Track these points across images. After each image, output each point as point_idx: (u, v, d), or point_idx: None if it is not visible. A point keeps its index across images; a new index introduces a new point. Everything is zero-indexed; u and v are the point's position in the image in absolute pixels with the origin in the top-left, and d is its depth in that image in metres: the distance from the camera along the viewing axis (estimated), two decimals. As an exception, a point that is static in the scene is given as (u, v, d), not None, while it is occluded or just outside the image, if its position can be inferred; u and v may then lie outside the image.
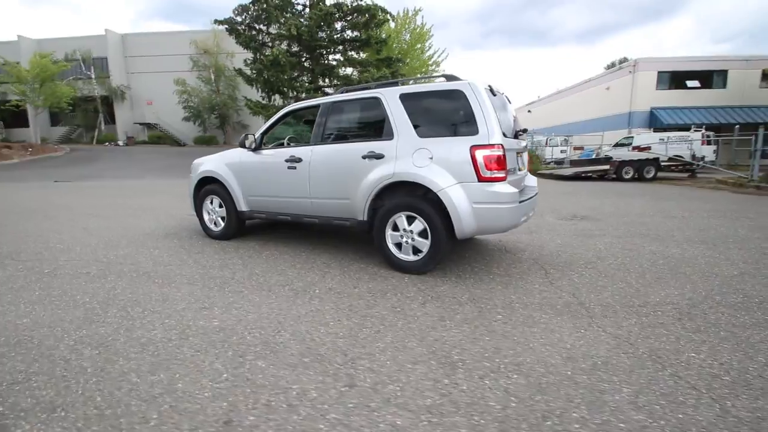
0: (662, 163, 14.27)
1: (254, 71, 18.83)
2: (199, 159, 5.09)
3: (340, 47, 19.19)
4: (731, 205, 8.13)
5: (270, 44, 19.45)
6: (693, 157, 15.52)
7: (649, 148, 15.81)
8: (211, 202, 4.82)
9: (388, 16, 19.67)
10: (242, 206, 4.53)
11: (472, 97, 3.23)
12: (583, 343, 2.33)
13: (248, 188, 4.44)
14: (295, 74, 19.16)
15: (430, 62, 25.31)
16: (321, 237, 4.98)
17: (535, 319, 2.64)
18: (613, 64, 53.13)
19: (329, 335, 2.42)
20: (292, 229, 5.46)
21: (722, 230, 5.43)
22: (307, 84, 18.42)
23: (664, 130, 21.75)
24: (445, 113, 3.38)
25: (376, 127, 3.69)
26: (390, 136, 3.53)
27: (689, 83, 24.31)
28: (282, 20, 17.95)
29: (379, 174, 3.50)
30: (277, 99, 19.80)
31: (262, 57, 18.40)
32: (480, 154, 3.12)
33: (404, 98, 3.53)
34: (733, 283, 3.32)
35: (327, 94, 18.84)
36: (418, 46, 25.19)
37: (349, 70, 20.44)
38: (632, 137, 19.11)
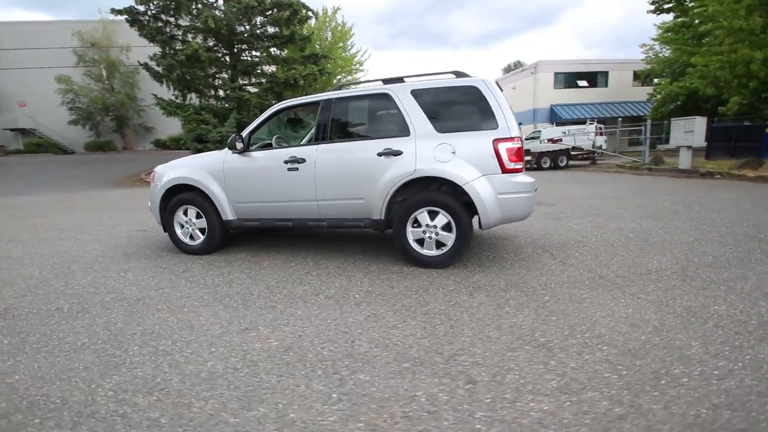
0: (571, 153, 16.27)
1: (164, 67, 17.00)
2: (163, 166, 4.46)
3: (263, 43, 18.24)
4: (640, 184, 9.61)
5: (180, 37, 17.71)
6: (593, 146, 17.95)
7: (560, 140, 17.88)
8: (186, 213, 4.26)
9: (311, 13, 19.23)
10: (229, 215, 4.08)
11: (488, 93, 3.35)
12: (632, 311, 2.59)
13: (236, 194, 4.02)
14: (213, 71, 17.75)
15: (354, 61, 25.38)
16: (314, 241, 4.72)
17: (578, 296, 2.85)
18: (509, 67, 58.85)
19: (408, 337, 2.33)
20: (276, 235, 5.09)
21: (654, 206, 6.40)
22: (229, 82, 17.18)
23: (563, 124, 24.74)
24: (462, 109, 3.45)
25: (388, 124, 3.62)
26: (406, 132, 3.49)
27: (579, 83, 28.02)
28: (194, 11, 16.46)
29: (398, 171, 3.44)
30: (194, 98, 18.14)
31: (174, 51, 16.67)
32: (503, 147, 3.25)
33: (416, 94, 3.51)
34: (697, 247, 3.96)
35: (248, 92, 17.80)
36: (340, 44, 25.08)
37: (273, 68, 19.55)
38: (539, 131, 21.39)
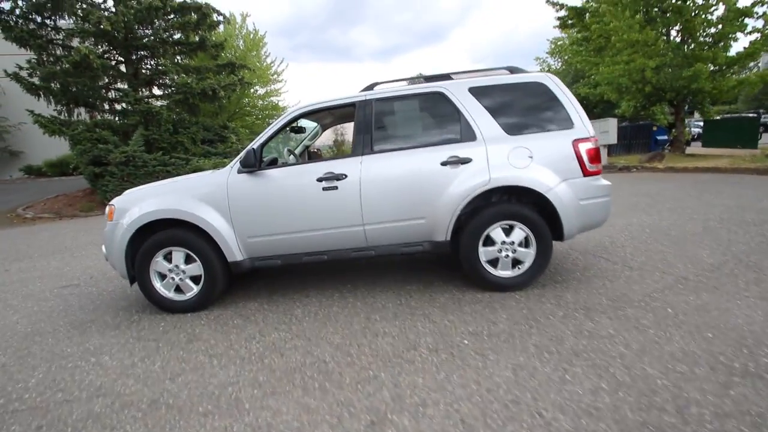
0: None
1: (42, 77, 13.97)
2: (126, 197, 3.26)
3: (169, 49, 16.10)
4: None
5: (61, 42, 14.75)
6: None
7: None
8: (169, 258, 3.15)
9: (221, 18, 17.58)
10: (237, 255, 3.10)
11: (557, 89, 3.02)
12: (758, 312, 2.42)
13: (248, 227, 3.06)
14: (107, 81, 15.11)
15: (270, 71, 24.00)
16: (330, 270, 3.89)
17: (695, 304, 2.62)
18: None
19: (592, 393, 1.80)
20: (272, 272, 4.12)
21: (647, 201, 6.65)
22: (131, 93, 14.74)
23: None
24: (529, 107, 3.06)
25: (446, 127, 3.07)
26: (470, 136, 2.98)
27: (486, 92, 30.33)
28: (79, 12, 13.80)
29: (468, 182, 2.91)
30: (83, 113, 15.20)
31: (54, 58, 13.79)
32: (583, 148, 2.94)
33: (476, 93, 3.04)
34: (720, 236, 4.12)
35: (155, 105, 15.54)
36: (254, 53, 23.56)
37: (184, 77, 17.38)
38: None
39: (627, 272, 3.31)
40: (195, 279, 3.17)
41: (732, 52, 12.23)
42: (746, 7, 11.47)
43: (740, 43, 40.12)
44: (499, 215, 2.98)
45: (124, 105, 15.44)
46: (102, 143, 13.55)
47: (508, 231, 3.03)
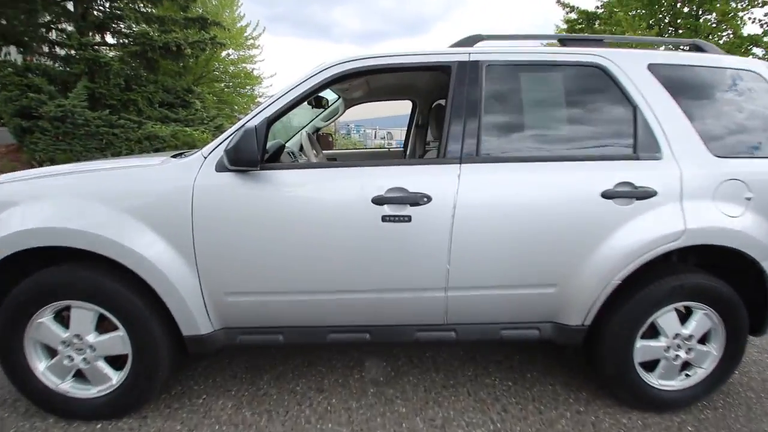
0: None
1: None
2: (18, 182, 1.69)
3: (126, -10, 13.60)
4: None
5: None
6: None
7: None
8: (61, 318, 1.63)
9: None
10: (202, 323, 1.61)
11: (782, 85, 1.78)
12: None
13: (230, 273, 1.59)
14: (49, 18, 12.52)
15: (245, 35, 21.56)
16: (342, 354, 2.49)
17: None
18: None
19: None
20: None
21: None
22: (76, 36, 12.25)
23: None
24: (743, 112, 1.79)
25: (609, 128, 1.74)
26: (652, 148, 1.67)
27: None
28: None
29: (648, 232, 1.61)
30: (14, 53, 12.52)
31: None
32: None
33: (661, 74, 1.73)
34: None
35: (105, 54, 13.11)
36: (227, 12, 21.06)
37: (142, 27, 14.85)
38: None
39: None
40: (114, 361, 1.67)
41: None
42: (756, 35, 11.09)
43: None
44: (682, 291, 1.72)
45: (67, 50, 12.87)
46: (34, 92, 11.09)
47: (684, 317, 1.79)
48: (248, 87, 21.27)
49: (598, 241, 1.64)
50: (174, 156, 1.85)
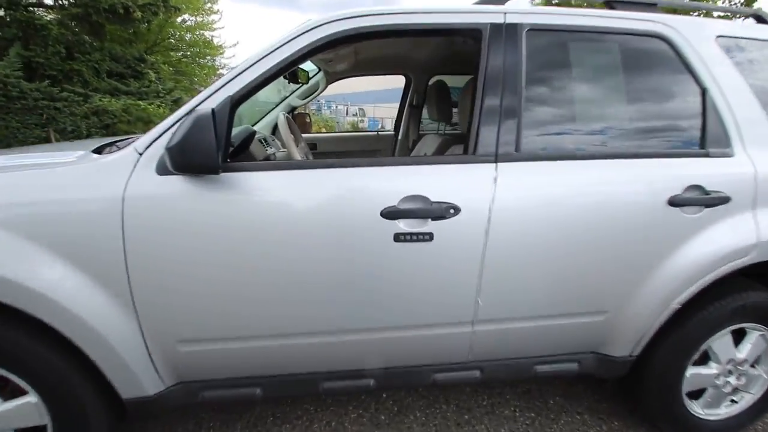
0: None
1: None
2: None
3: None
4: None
5: None
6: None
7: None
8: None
9: None
10: (148, 382, 1.18)
11: None
12: None
13: (184, 314, 1.16)
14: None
15: (204, 3, 19.79)
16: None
17: None
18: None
19: None
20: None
21: None
22: (4, -5, 10.66)
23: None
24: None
25: (670, 114, 1.39)
26: (723, 142, 1.35)
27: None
28: None
29: (717, 248, 1.30)
30: None
31: None
32: None
33: (728, 47, 1.39)
34: None
35: (42, 17, 11.62)
36: (183, -28, 19.18)
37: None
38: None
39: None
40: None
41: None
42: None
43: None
44: (744, 312, 1.44)
45: (-7, 11, 11.23)
46: (-43, 59, 9.69)
47: (737, 339, 1.53)
48: (208, 57, 19.72)
49: (660, 259, 1.32)
50: (98, 149, 1.34)
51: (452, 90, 2.07)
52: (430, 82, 2.56)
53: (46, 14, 12.55)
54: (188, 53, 19.24)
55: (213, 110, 1.03)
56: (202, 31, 19.39)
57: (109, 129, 10.10)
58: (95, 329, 1.10)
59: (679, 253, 1.32)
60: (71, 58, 11.58)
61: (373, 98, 29.80)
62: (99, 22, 12.13)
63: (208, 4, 20.54)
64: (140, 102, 10.54)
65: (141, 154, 1.12)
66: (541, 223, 1.24)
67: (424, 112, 2.84)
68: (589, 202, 1.26)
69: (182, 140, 1.00)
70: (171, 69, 16.83)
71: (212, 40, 19.47)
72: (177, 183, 1.11)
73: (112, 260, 1.07)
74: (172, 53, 18.46)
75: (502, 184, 1.20)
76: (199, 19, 19.97)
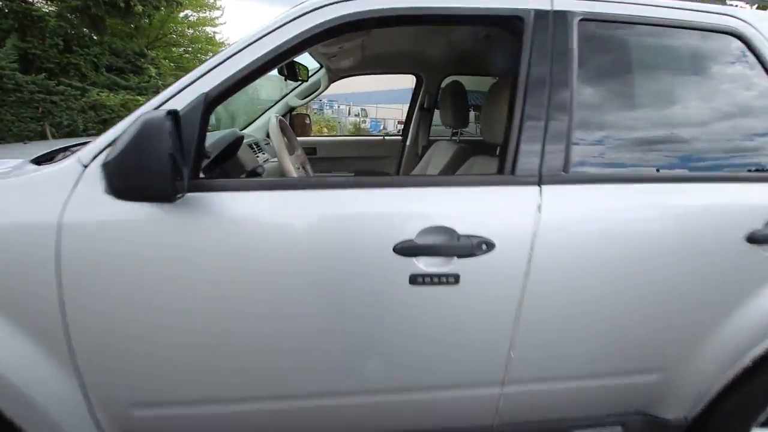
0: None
1: None
2: None
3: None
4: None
5: None
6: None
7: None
8: None
9: None
10: None
11: None
12: None
13: (143, 376, 0.91)
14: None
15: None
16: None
17: None
18: None
19: None
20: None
21: None
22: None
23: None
24: None
25: (745, 125, 1.14)
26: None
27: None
28: None
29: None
30: None
31: None
32: None
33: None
34: None
35: (40, 9, 11.45)
36: (186, -34, 19.01)
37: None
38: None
39: None
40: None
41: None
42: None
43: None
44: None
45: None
46: (-52, 48, 9.59)
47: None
48: (210, 53, 19.58)
49: (734, 307, 1.07)
50: (38, 159, 1.07)
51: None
52: (444, 84, 2.31)
53: (44, 5, 12.39)
54: (190, 49, 19.08)
55: (172, 113, 0.78)
56: (204, 27, 19.24)
57: (106, 124, 9.91)
58: (21, 391, 0.85)
59: (757, 300, 1.07)
60: (69, 51, 11.42)
61: (375, 99, 29.64)
62: (99, 15, 11.98)
63: (211, 0, 20.36)
64: (139, 97, 10.36)
65: (86, 167, 0.86)
66: (592, 262, 0.99)
67: (436, 117, 2.60)
68: (653, 238, 1.00)
69: (120, 155, 0.74)
70: (172, 65, 16.67)
71: (214, 36, 19.28)
72: (132, 206, 0.85)
73: (43, 304, 0.82)
74: (173, 49, 18.32)
75: (547, 212, 0.95)
76: (201, 14, 19.77)
